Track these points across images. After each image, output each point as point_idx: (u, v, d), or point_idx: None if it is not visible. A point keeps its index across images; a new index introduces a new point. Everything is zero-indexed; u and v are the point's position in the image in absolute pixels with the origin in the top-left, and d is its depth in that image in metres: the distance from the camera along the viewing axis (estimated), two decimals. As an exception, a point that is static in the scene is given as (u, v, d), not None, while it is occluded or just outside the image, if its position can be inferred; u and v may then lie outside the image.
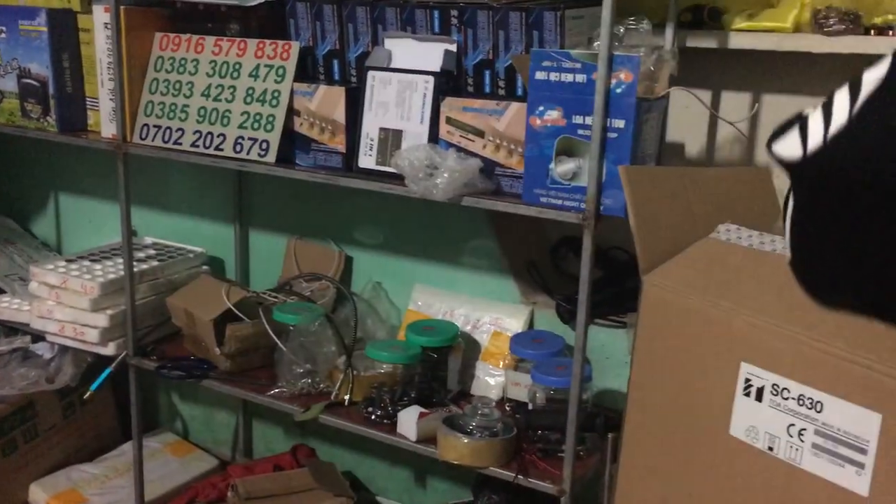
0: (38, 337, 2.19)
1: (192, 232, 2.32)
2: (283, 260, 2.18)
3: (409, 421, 1.65)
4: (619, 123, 1.34)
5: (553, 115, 1.40)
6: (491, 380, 1.84)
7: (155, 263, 2.11)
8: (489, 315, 1.92)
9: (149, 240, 2.31)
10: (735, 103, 1.69)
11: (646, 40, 1.41)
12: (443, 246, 2.02)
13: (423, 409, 1.67)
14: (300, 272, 2.13)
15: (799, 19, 1.56)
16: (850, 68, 1.55)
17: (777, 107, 1.66)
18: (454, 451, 1.57)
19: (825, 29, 1.50)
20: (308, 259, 2.15)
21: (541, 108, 1.41)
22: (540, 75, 1.40)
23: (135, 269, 1.98)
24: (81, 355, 2.16)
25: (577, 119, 1.38)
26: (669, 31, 1.58)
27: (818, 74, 1.60)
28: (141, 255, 2.15)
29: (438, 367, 1.80)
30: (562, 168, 1.41)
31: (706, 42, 1.60)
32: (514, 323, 1.89)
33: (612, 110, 1.34)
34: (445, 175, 1.46)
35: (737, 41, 1.57)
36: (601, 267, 1.89)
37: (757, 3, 1.63)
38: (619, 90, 1.33)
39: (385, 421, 1.72)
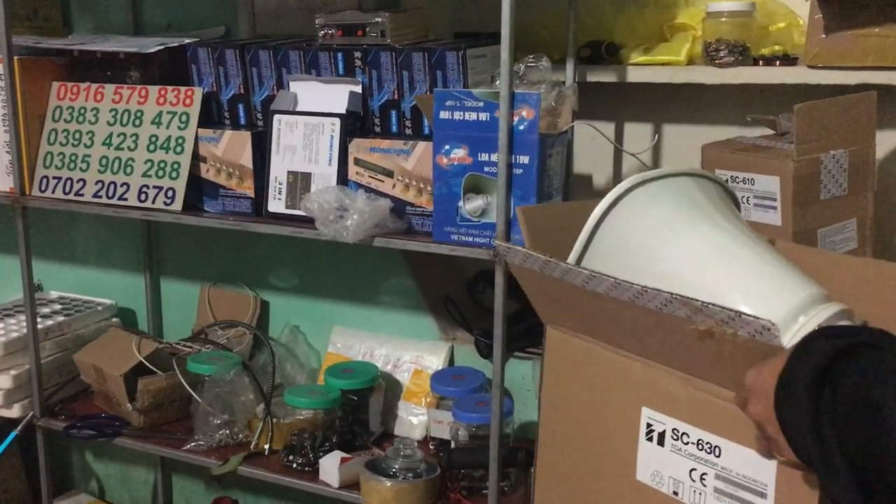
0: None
1: (100, 283, 2.25)
2: (198, 308, 2.13)
3: (330, 467, 1.62)
4: (524, 159, 1.36)
5: (459, 154, 1.41)
6: (414, 419, 1.83)
7: (61, 318, 2.03)
8: (409, 353, 1.91)
9: (54, 294, 2.23)
10: (637, 134, 1.73)
11: (546, 77, 1.44)
12: (359, 286, 2.00)
13: (345, 454, 1.64)
14: (215, 320, 2.08)
15: (691, 52, 1.61)
16: (741, 96, 1.62)
17: (677, 136, 1.71)
18: (377, 496, 1.55)
19: (716, 61, 1.55)
20: (223, 306, 2.11)
21: (447, 147, 1.42)
22: (444, 115, 1.41)
23: (39, 326, 1.90)
24: (-15, 419, 2.05)
25: (483, 156, 1.40)
26: (570, 67, 1.62)
27: (712, 103, 1.66)
28: (46, 310, 2.07)
29: (359, 410, 1.77)
30: (470, 205, 1.42)
31: (605, 76, 1.64)
32: (435, 360, 1.89)
33: (517, 147, 1.36)
34: (355, 217, 1.46)
35: (634, 75, 1.62)
36: (518, 299, 1.91)
37: (652, 37, 1.69)
38: (521, 127, 1.35)
39: (307, 468, 1.68)
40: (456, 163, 1.42)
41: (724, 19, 1.54)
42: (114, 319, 2.16)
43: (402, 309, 1.96)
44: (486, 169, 1.40)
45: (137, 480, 2.36)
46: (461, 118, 1.40)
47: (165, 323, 2.23)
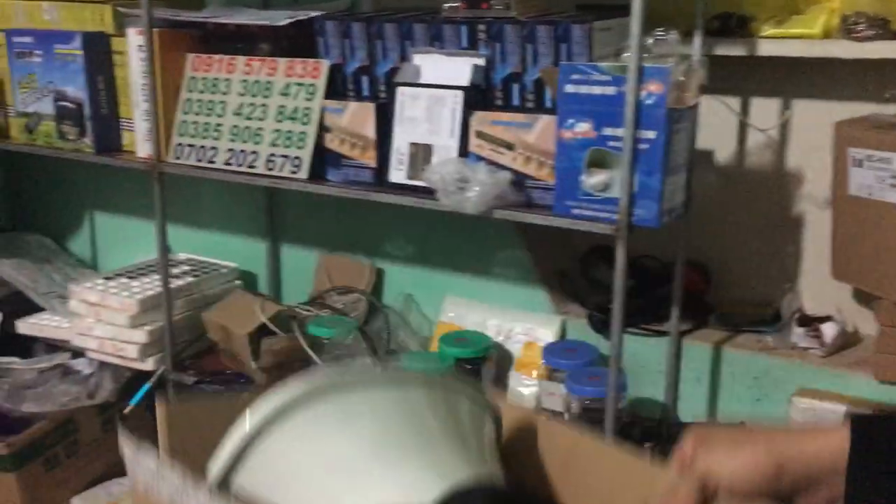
0: (78, 353, 2.23)
1: (224, 248, 2.35)
2: (315, 274, 2.21)
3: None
4: (650, 134, 1.35)
5: (583, 128, 1.41)
6: (524, 390, 1.85)
7: (190, 279, 2.14)
8: (521, 325, 1.93)
9: (183, 256, 2.34)
10: (765, 109, 1.69)
11: (675, 50, 1.42)
12: (473, 257, 2.03)
13: (459, 421, 1.68)
14: (332, 286, 2.15)
15: (828, 25, 1.56)
16: (878, 72, 1.55)
17: (807, 111, 1.66)
18: (490, 462, 1.58)
19: (854, 35, 1.49)
20: (339, 273, 2.18)
21: (571, 121, 1.42)
22: (569, 88, 1.41)
23: (171, 286, 2.01)
24: (120, 371, 2.19)
25: (608, 131, 1.39)
26: (697, 40, 1.58)
27: (846, 79, 1.60)
28: (176, 271, 2.18)
29: (471, 378, 1.81)
30: (593, 180, 1.42)
31: (735, 50, 1.60)
32: (546, 333, 1.90)
33: (643, 121, 1.35)
34: (477, 188, 1.48)
35: (766, 48, 1.58)
36: (632, 275, 1.90)
37: (784, 10, 1.63)
38: (649, 101, 1.34)
39: (420, 432, 1.73)
40: (580, 137, 1.42)
41: (865, -9, 1.48)
42: (236, 282, 2.27)
43: (515, 281, 1.98)
44: (610, 143, 1.39)
45: (255, 436, 2.47)
46: (587, 92, 1.40)
47: (283, 287, 2.32)
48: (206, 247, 2.38)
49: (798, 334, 1.67)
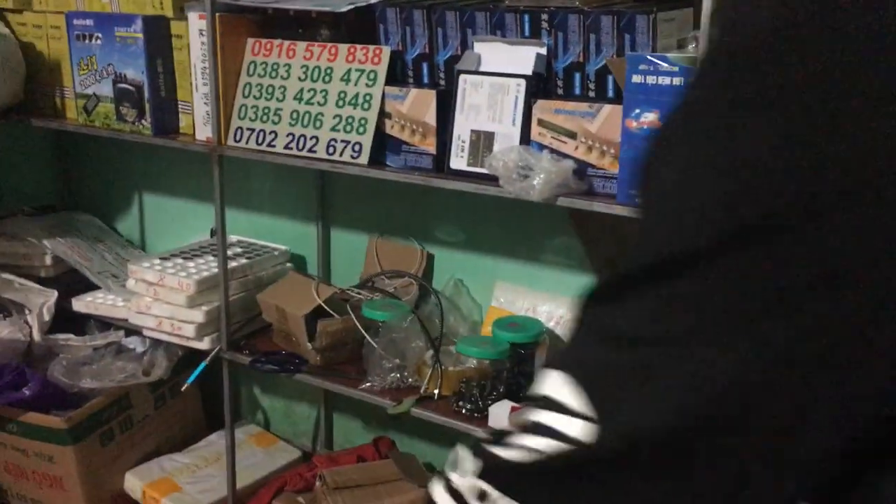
0: (130, 331, 2.28)
1: (274, 230, 2.39)
2: (365, 257, 2.24)
3: (501, 414, 1.70)
4: (718, 125, 1.37)
5: (650, 118, 1.43)
6: (576, 375, 1.88)
7: (244, 261, 2.18)
8: (571, 312, 1.96)
9: (234, 238, 2.38)
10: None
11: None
12: (523, 243, 2.05)
13: (515, 403, 1.71)
14: (382, 269, 2.18)
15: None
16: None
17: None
18: (547, 445, 1.61)
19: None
20: (389, 257, 2.21)
21: (637, 111, 1.44)
22: (636, 79, 1.43)
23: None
24: (173, 349, 2.24)
25: (675, 121, 1.41)
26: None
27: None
28: (229, 252, 2.22)
29: (525, 363, 1.84)
30: (658, 169, 1.44)
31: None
32: (597, 319, 1.92)
33: (711, 113, 1.36)
34: (542, 176, 1.50)
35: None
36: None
37: None
38: (718, 93, 1.36)
39: (475, 414, 1.76)
40: (646, 126, 1.44)
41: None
42: (288, 264, 2.30)
43: (565, 267, 2.01)
44: (677, 134, 1.41)
45: (301, 415, 2.52)
46: (654, 82, 1.42)
47: (333, 270, 2.36)
48: (256, 229, 2.42)
49: None
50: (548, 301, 1.99)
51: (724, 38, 0.49)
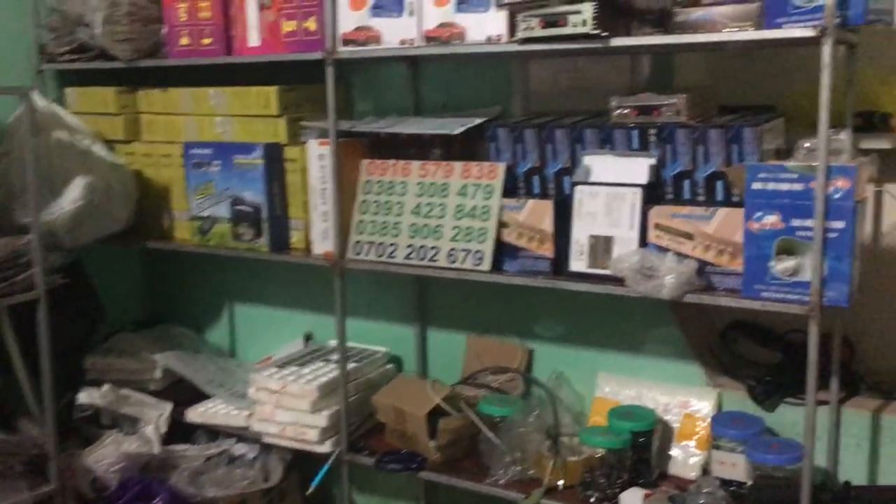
0: (241, 438, 2.37)
1: (369, 333, 2.50)
2: (465, 355, 2.36)
3: (634, 502, 1.79)
4: (839, 224, 1.53)
5: (771, 220, 1.59)
6: (691, 459, 1.98)
7: (353, 364, 2.29)
8: (677, 398, 2.07)
9: (333, 343, 2.50)
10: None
11: (845, 146, 1.60)
12: (621, 335, 2.18)
13: (647, 490, 1.81)
14: (482, 367, 2.30)
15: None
16: None
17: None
18: (685, 528, 1.70)
19: None
20: (489, 354, 2.32)
21: (759, 214, 1.60)
22: (756, 185, 1.60)
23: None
24: (283, 454, 2.33)
25: (796, 222, 1.57)
26: (847, 135, 1.77)
27: None
28: (334, 357, 2.33)
29: (643, 450, 1.94)
30: (782, 266, 1.59)
31: (880, 143, 1.78)
32: (704, 405, 2.03)
33: (832, 213, 1.52)
34: (672, 276, 1.64)
35: (911, 141, 1.76)
36: (780, 350, 2.06)
37: (918, 105, 1.82)
38: (837, 195, 1.52)
39: (605, 502, 1.86)
40: (768, 227, 1.59)
41: None
42: (388, 366, 2.42)
43: (666, 356, 2.13)
44: (798, 233, 1.57)
45: (400, 513, 2.58)
46: (774, 188, 1.58)
47: (430, 369, 2.47)
48: (352, 333, 2.53)
49: (953, 399, 1.81)
50: (652, 389, 2.11)
51: None
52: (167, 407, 2.37)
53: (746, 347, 2.10)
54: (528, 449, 2.00)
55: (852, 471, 1.90)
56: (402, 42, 1.94)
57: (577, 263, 1.85)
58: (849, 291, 1.54)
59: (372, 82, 2.40)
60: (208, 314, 2.86)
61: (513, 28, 1.80)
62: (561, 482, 1.93)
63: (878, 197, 1.90)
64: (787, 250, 1.58)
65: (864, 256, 1.75)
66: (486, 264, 1.92)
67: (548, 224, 1.88)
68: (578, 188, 1.85)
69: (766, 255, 1.60)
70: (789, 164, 1.56)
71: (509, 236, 1.93)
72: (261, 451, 2.36)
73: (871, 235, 1.93)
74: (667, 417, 2.06)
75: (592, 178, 1.87)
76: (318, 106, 2.14)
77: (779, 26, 1.55)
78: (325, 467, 2.15)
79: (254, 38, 2.17)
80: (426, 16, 1.91)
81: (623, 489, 1.86)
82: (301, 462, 2.39)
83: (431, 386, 2.13)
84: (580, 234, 1.85)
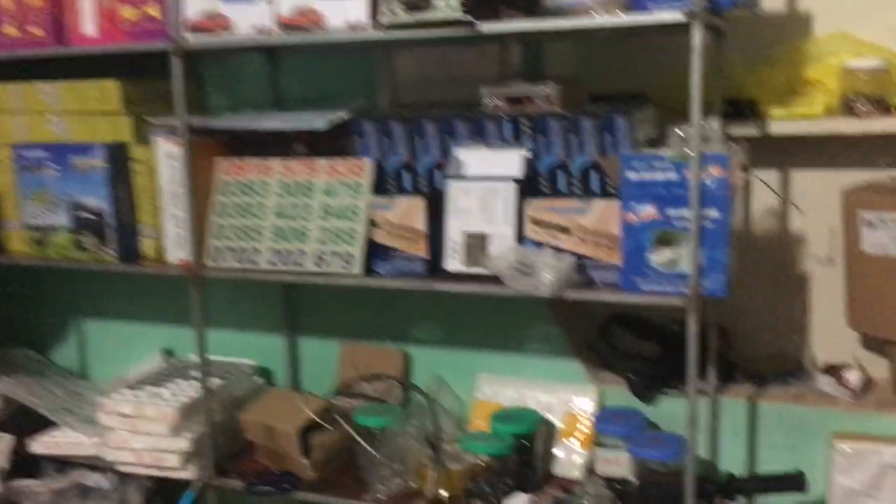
0: (94, 468, 2.16)
1: (234, 344, 2.34)
2: (340, 364, 2.23)
3: (520, 509, 1.72)
4: (715, 213, 1.49)
5: (647, 210, 1.54)
6: (576, 458, 1.93)
7: (217, 381, 2.12)
8: (558, 396, 2.02)
9: (193, 357, 2.31)
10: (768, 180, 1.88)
11: (714, 135, 1.58)
12: (500, 335, 2.11)
13: (532, 496, 1.74)
14: (359, 375, 2.18)
15: (827, 105, 1.76)
16: (872, 145, 1.76)
17: (805, 180, 1.86)
18: (573, 533, 1.64)
19: (854, 112, 1.70)
20: (365, 361, 2.21)
21: (634, 205, 1.55)
22: (632, 175, 1.55)
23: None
24: (143, 482, 2.13)
25: (672, 212, 1.53)
26: (715, 123, 1.75)
27: (842, 151, 1.80)
28: (196, 373, 2.15)
29: (527, 453, 1.87)
30: (660, 257, 1.54)
31: (749, 130, 1.78)
32: (586, 402, 1.99)
33: (707, 202, 1.49)
34: (551, 272, 1.57)
35: (778, 128, 1.76)
36: (659, 342, 2.04)
37: (781, 93, 1.83)
38: (711, 184, 1.49)
39: (490, 511, 1.78)
40: (644, 218, 1.54)
41: (863, 77, 1.69)
42: (257, 379, 2.26)
43: (546, 354, 2.07)
44: (675, 223, 1.53)
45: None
46: (650, 178, 1.53)
47: (303, 380, 2.33)
48: (216, 346, 2.35)
49: (824, 382, 1.83)
50: (533, 388, 2.05)
51: None
52: (8, 440, 2.12)
53: (626, 340, 2.07)
54: (409, 460, 1.89)
55: (732, 459, 1.90)
56: (257, 29, 1.79)
57: (453, 263, 1.76)
58: (726, 281, 1.52)
59: (226, 75, 2.24)
60: (54, 333, 2.61)
61: (375, 13, 1.68)
62: (444, 493, 1.84)
63: (747, 184, 1.91)
64: (665, 241, 1.54)
65: (736, 244, 1.75)
66: (357, 267, 1.80)
67: (420, 222, 1.78)
68: (451, 183, 1.76)
69: (644, 247, 1.56)
70: (663, 152, 1.52)
71: (381, 237, 1.81)
72: (118, 481, 2.15)
73: (741, 222, 1.94)
74: (550, 417, 2.00)
75: (465, 173, 1.78)
76: (170, 102, 1.95)
77: (646, 9, 1.51)
78: (190, 495, 1.97)
79: (89, 27, 1.96)
80: (282, 0, 1.76)
81: (510, 495, 1.78)
82: (165, 491, 2.20)
83: (303, 399, 1.99)
84: (455, 231, 1.76)
